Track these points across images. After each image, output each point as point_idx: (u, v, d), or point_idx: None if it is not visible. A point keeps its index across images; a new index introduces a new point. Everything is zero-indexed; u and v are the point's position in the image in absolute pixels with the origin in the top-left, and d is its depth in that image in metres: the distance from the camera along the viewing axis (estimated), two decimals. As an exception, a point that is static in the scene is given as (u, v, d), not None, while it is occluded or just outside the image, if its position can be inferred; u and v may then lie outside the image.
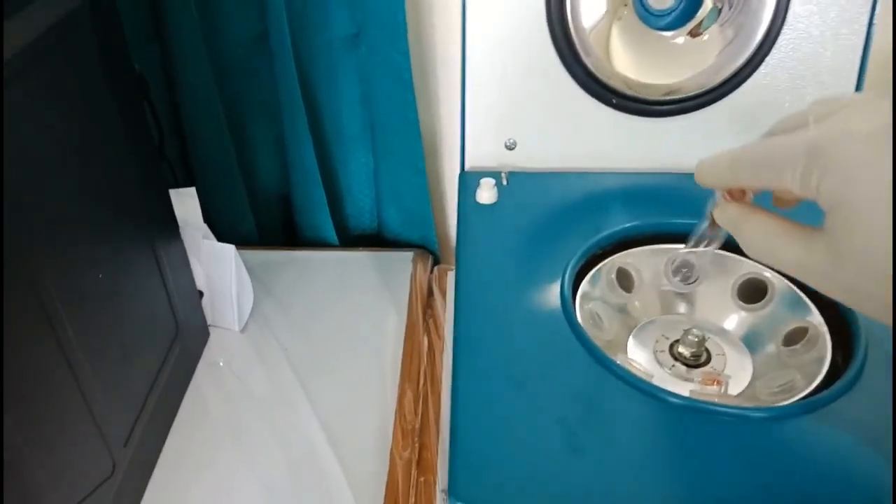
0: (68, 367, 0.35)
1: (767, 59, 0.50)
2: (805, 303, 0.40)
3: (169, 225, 0.49)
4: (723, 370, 0.39)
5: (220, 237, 0.54)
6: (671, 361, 0.39)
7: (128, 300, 0.42)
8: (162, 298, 0.47)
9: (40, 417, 0.33)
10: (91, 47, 0.37)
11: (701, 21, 0.50)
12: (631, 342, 0.41)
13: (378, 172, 0.66)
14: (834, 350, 0.37)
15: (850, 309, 0.34)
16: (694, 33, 0.50)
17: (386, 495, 0.44)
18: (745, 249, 0.29)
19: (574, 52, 0.50)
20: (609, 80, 0.51)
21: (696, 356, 0.39)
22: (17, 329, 0.30)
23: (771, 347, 0.40)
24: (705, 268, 0.37)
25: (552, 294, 0.40)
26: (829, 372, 0.36)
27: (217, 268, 0.53)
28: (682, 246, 0.44)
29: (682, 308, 0.43)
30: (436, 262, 0.68)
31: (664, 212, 0.46)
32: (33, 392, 0.32)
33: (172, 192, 0.49)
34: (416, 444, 0.48)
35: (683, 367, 0.39)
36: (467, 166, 0.54)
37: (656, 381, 0.36)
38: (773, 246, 0.27)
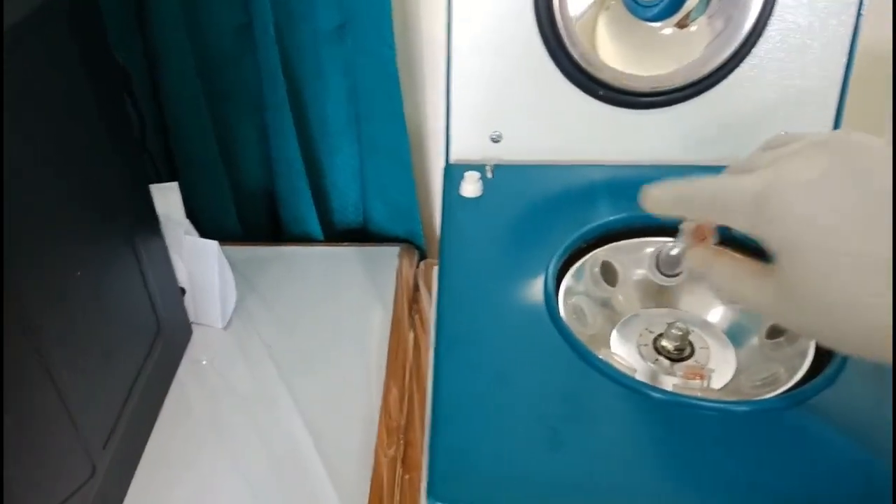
0: (44, 368, 0.35)
1: (755, 50, 0.50)
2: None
3: (150, 221, 0.48)
4: (706, 364, 0.39)
5: (204, 233, 0.54)
6: (655, 355, 0.39)
7: (107, 298, 0.42)
8: (142, 296, 0.46)
9: (15, 419, 0.32)
10: (69, 39, 0.37)
11: (689, 12, 0.49)
12: (614, 336, 0.41)
13: (363, 166, 0.65)
14: (817, 343, 0.37)
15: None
16: (682, 24, 0.50)
17: (371, 493, 0.43)
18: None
19: (560, 43, 0.49)
20: (596, 71, 0.50)
21: (679, 350, 0.39)
22: (-13, 329, 0.30)
23: (754, 341, 0.39)
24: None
25: (536, 288, 0.39)
26: (811, 365, 0.35)
27: (199, 264, 0.53)
28: (666, 239, 0.44)
29: (666, 302, 0.43)
30: (422, 256, 0.67)
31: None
32: (7, 393, 0.31)
33: (154, 188, 0.49)
34: (402, 442, 0.48)
35: (667, 361, 0.39)
36: (452, 159, 0.53)
37: (639, 376, 0.36)
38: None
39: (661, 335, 0.40)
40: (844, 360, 0.34)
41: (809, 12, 0.49)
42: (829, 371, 0.34)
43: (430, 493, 0.29)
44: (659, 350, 0.39)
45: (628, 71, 0.50)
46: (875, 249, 0.25)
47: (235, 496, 0.43)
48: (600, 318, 0.41)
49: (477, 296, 0.39)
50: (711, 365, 0.39)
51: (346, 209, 0.68)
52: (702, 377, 0.36)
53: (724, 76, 0.50)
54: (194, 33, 0.58)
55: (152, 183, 0.49)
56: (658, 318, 0.42)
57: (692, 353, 0.39)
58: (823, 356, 0.35)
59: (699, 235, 0.33)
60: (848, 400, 0.32)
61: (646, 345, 0.40)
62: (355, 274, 0.62)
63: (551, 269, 0.41)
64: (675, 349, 0.39)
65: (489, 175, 0.50)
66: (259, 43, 0.57)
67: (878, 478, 0.29)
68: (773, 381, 0.35)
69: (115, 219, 0.43)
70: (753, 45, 0.49)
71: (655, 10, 0.49)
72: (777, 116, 0.52)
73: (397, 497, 0.44)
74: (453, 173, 0.50)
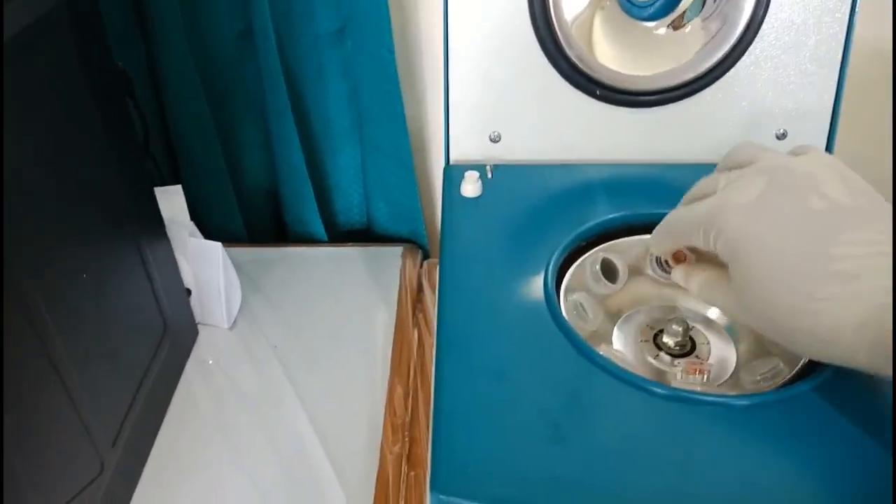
0: (54, 369, 0.35)
1: (750, 48, 0.50)
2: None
3: (154, 223, 0.49)
4: (707, 359, 0.39)
5: (209, 235, 0.54)
6: (656, 351, 0.40)
7: (114, 300, 0.42)
8: (149, 297, 0.47)
9: (26, 418, 0.33)
10: (70, 46, 0.37)
11: (684, 12, 0.50)
12: (615, 333, 0.41)
13: (366, 167, 0.66)
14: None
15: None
16: (677, 25, 0.50)
17: (376, 490, 0.44)
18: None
19: (557, 44, 0.50)
20: (592, 71, 0.51)
21: (680, 345, 0.39)
22: (-2, 331, 0.30)
23: (753, 336, 0.40)
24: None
25: (536, 286, 0.40)
26: (810, 360, 0.36)
27: (204, 265, 0.54)
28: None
29: (666, 298, 0.44)
30: (425, 256, 0.68)
31: (649, 202, 0.46)
32: (18, 393, 0.32)
33: (158, 191, 0.50)
34: (407, 439, 0.48)
35: (668, 357, 0.39)
36: (452, 160, 0.54)
37: (640, 372, 0.37)
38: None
39: (661, 331, 0.40)
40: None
41: (803, 10, 0.49)
42: (827, 365, 0.34)
43: (434, 487, 0.30)
44: (660, 346, 0.40)
45: (625, 70, 0.51)
46: (805, 261, 0.29)
47: (242, 494, 0.44)
48: (601, 315, 0.42)
49: (477, 294, 0.40)
50: (712, 360, 0.39)
51: (350, 210, 0.69)
52: (702, 372, 0.37)
53: (720, 75, 0.51)
54: (195, 39, 0.58)
55: (157, 186, 0.50)
56: (659, 315, 0.42)
57: (693, 349, 0.40)
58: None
59: (678, 258, 0.39)
60: (846, 393, 0.33)
61: (647, 341, 0.40)
62: (359, 274, 0.62)
63: (551, 267, 0.41)
64: (676, 345, 0.39)
65: (489, 175, 0.51)
66: (260, 47, 0.58)
67: (876, 468, 0.30)
68: (773, 376, 0.36)
69: (120, 222, 0.43)
70: (749, 43, 0.50)
71: (651, 10, 0.50)
72: (773, 114, 0.52)
73: (403, 493, 0.45)
74: (453, 174, 0.51)
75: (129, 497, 0.43)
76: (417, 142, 0.67)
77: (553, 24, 0.49)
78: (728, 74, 0.51)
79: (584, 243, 0.44)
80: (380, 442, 0.47)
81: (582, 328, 0.40)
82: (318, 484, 0.44)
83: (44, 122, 0.35)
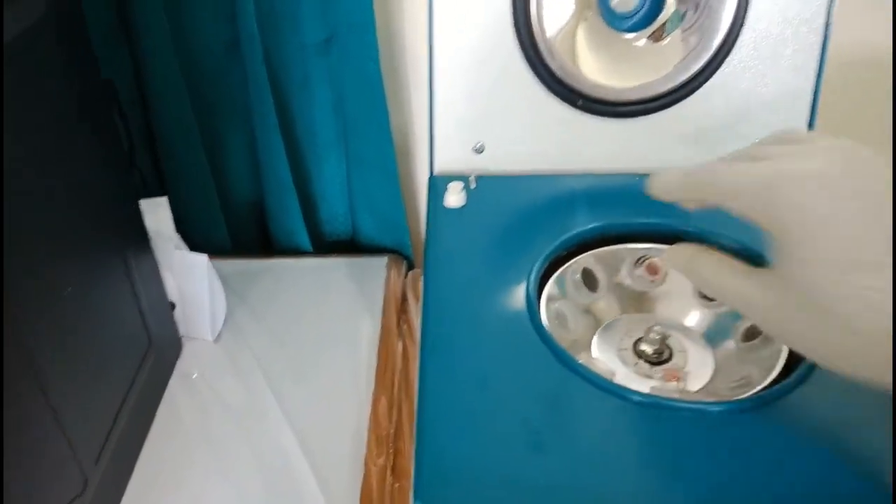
0: (36, 382, 0.35)
1: (728, 59, 0.51)
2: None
3: (139, 236, 0.49)
4: (684, 367, 0.39)
5: (194, 246, 0.54)
6: (634, 359, 0.40)
7: (98, 313, 0.42)
8: (133, 311, 0.47)
9: (7, 434, 0.33)
10: (56, 58, 0.37)
11: (664, 24, 0.51)
12: (595, 341, 0.42)
13: (351, 178, 0.66)
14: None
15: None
16: (657, 37, 0.51)
17: (361, 502, 0.44)
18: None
19: (539, 55, 0.51)
20: (575, 82, 0.51)
21: (658, 353, 0.40)
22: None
23: (730, 343, 0.40)
24: (662, 270, 0.39)
25: (518, 295, 0.40)
26: (785, 366, 0.36)
27: (189, 278, 0.54)
28: (646, 245, 0.45)
29: (645, 307, 0.44)
30: (410, 266, 0.68)
31: (629, 212, 0.47)
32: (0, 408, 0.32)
33: (143, 203, 0.49)
34: (391, 451, 0.48)
35: (646, 365, 0.40)
36: (436, 171, 0.54)
37: (619, 379, 0.37)
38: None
39: (640, 339, 0.41)
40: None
41: (781, 20, 0.50)
42: (800, 371, 0.35)
43: (416, 495, 0.30)
44: (639, 354, 0.40)
45: (606, 82, 0.52)
46: (868, 247, 0.25)
47: (227, 507, 0.43)
48: (582, 324, 0.42)
49: (461, 303, 0.40)
50: (689, 368, 0.39)
51: (335, 221, 0.69)
52: (679, 379, 0.37)
53: (700, 85, 0.52)
54: (181, 48, 0.59)
55: (142, 198, 0.50)
56: (638, 323, 0.43)
57: (671, 357, 0.40)
58: (796, 358, 0.36)
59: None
60: (820, 399, 0.33)
61: (626, 349, 0.41)
62: (344, 285, 0.62)
63: (533, 277, 0.41)
64: (654, 353, 0.40)
65: (472, 186, 0.51)
66: (246, 57, 0.58)
67: (849, 472, 0.30)
68: (747, 383, 0.36)
69: (105, 234, 0.43)
70: (727, 54, 0.51)
71: (632, 22, 0.50)
72: (752, 123, 0.53)
73: (387, 504, 0.45)
74: (437, 184, 0.51)
75: (113, 512, 0.43)
76: (403, 152, 0.67)
77: (536, 37, 0.50)
78: (707, 85, 0.52)
79: (565, 253, 0.45)
80: (364, 454, 0.47)
81: (563, 337, 0.40)
82: (303, 496, 0.44)
83: (29, 133, 0.35)
